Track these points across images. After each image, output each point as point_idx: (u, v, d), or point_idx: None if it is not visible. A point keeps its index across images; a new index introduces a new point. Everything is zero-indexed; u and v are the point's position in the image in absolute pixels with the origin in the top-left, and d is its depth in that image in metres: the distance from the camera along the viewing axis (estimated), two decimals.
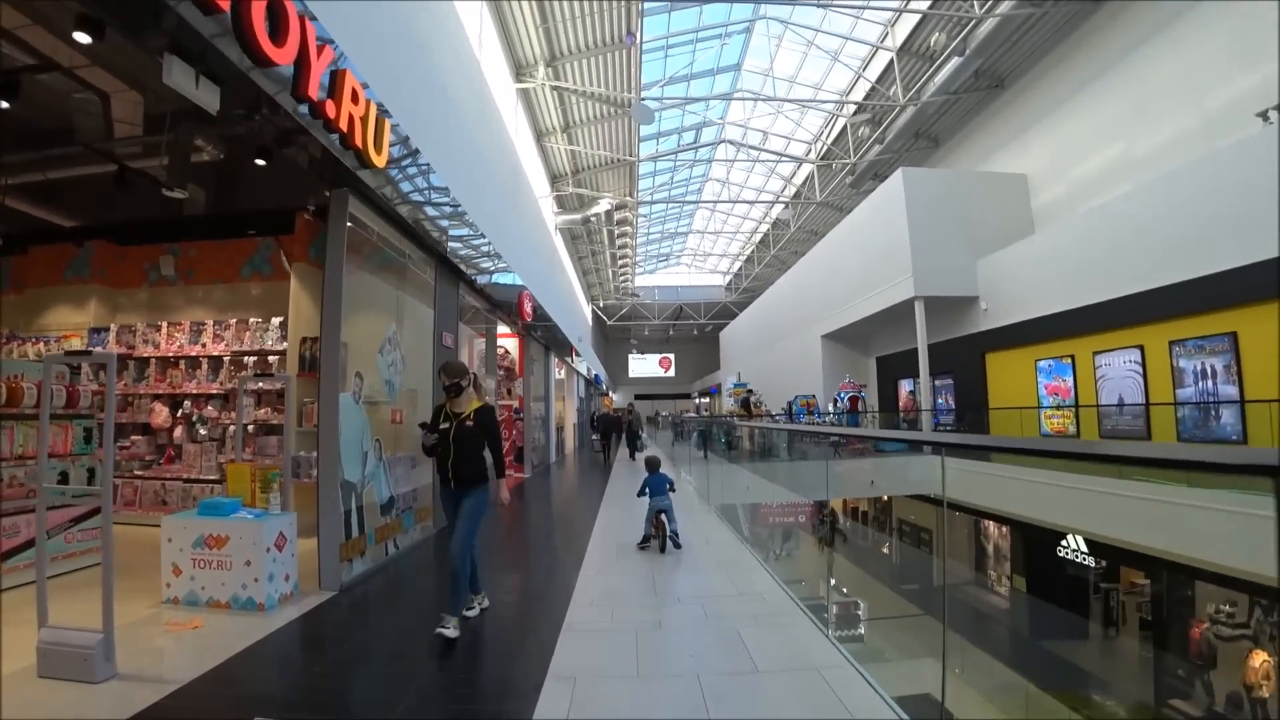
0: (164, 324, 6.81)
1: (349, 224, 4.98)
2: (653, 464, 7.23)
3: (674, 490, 6.83)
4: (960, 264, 14.49)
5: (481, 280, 8.54)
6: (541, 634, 4.06)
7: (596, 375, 30.95)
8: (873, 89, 17.63)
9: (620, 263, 30.53)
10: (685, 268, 44.20)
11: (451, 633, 3.80)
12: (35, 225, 6.74)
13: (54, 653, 3.07)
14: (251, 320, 6.42)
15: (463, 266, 7.51)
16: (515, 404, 12.78)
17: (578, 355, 21.42)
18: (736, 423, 13.71)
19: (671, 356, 52.91)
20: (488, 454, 4.34)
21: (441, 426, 4.23)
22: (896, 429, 17.64)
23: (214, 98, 3.25)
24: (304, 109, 3.67)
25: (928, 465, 13.46)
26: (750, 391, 19.63)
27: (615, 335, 50.06)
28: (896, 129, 18.29)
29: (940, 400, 16.16)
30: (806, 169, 23.44)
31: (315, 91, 3.56)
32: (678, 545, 6.42)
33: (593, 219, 22.01)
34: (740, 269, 39.08)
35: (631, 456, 17.73)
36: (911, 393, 13.96)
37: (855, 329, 18.80)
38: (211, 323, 6.73)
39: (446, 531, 4.33)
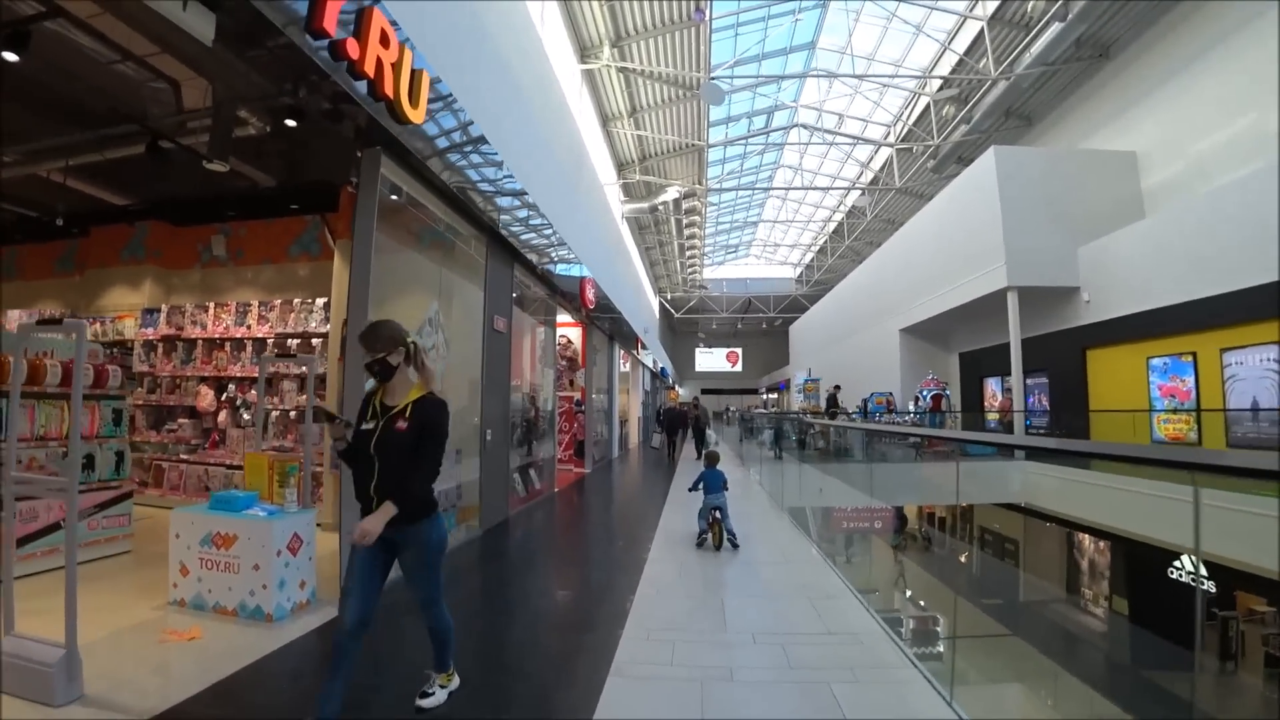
0: (211, 305, 6.66)
1: (383, 188, 4.56)
2: (711, 458, 6.89)
3: (727, 488, 6.56)
4: (1059, 251, 13.21)
5: (541, 264, 8.14)
6: (581, 679, 3.35)
7: (663, 368, 30.43)
8: (960, 62, 16.37)
9: (688, 253, 29.86)
10: (754, 259, 43.11)
11: (434, 701, 2.95)
12: (93, 205, 6.70)
13: (15, 667, 2.67)
14: (296, 301, 6.17)
15: (518, 246, 7.09)
16: (577, 395, 12.40)
17: (643, 347, 20.94)
18: (813, 421, 12.88)
19: (739, 351, 51.91)
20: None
21: (364, 427, 2.84)
22: (983, 431, 16.40)
23: (208, 25, 2.85)
24: (323, 48, 3.23)
25: (1020, 472, 12.40)
26: (838, 388, 18.47)
27: (682, 328, 49.41)
28: (985, 106, 16.89)
29: (1031, 400, 14.86)
30: (885, 153, 22.17)
31: (333, 26, 3.12)
32: (735, 544, 6.19)
33: (660, 208, 21.43)
34: (812, 260, 37.76)
35: (699, 456, 16.34)
36: (1008, 391, 12.80)
37: (936, 323, 17.60)
38: (257, 304, 6.54)
39: (344, 599, 2.77)
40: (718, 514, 6.26)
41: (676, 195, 21.04)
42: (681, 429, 19.63)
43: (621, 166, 20.94)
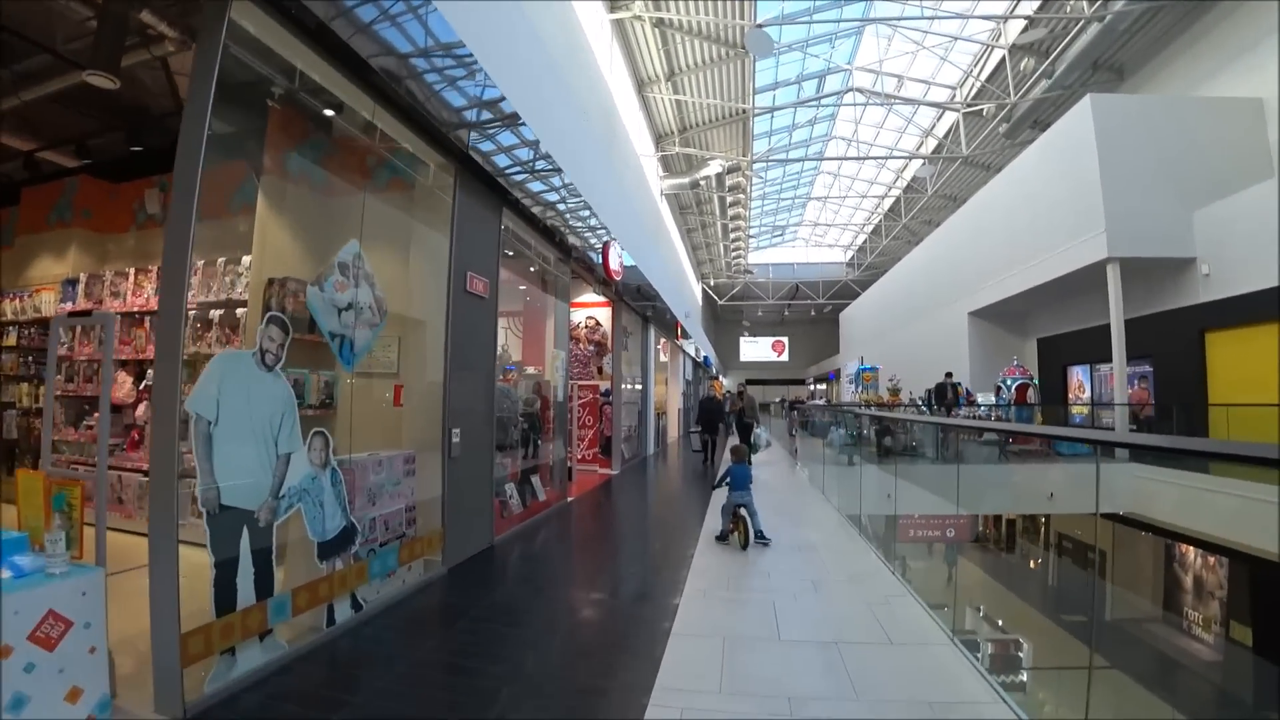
0: (131, 271, 5.39)
1: (235, 47, 2.97)
2: (739, 453, 6.54)
3: (752, 483, 6.22)
4: (1170, 217, 11.25)
5: (547, 219, 6.65)
6: None
7: (706, 357, 28.85)
8: (1043, 3, 14.31)
9: (732, 236, 28.14)
10: (803, 243, 40.98)
11: None
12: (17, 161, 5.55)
13: None
14: (221, 261, 4.77)
15: (507, 186, 5.48)
16: (604, 384, 10.98)
17: (684, 335, 19.41)
18: (911, 417, 11.04)
19: (785, 340, 49.94)
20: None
21: None
22: (1066, 425, 14.44)
23: None
24: None
25: (1125, 477, 10.53)
26: (949, 375, 16.25)
27: (726, 316, 47.66)
28: (1071, 57, 14.80)
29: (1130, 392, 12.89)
30: (950, 119, 20.08)
31: None
32: (765, 542, 5.88)
33: (702, 183, 19.84)
34: (864, 243, 35.55)
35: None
36: (1142, 380, 10.84)
37: (1011, 305, 15.68)
38: (154, 270, 5.27)
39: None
40: (743, 511, 5.95)
41: (719, 170, 19.44)
42: (722, 424, 16.26)
43: (660, 138, 19.40)
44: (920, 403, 15.57)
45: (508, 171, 5.29)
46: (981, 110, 18.00)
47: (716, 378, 40.07)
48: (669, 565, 5.13)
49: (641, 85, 16.45)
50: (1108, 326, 13.31)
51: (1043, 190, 13.29)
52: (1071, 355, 14.96)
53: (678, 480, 11.37)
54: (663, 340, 17.28)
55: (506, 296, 8.83)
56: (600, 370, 11.00)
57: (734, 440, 11.57)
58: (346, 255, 3.91)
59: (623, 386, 11.21)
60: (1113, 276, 11.20)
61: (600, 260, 7.94)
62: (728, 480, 6.15)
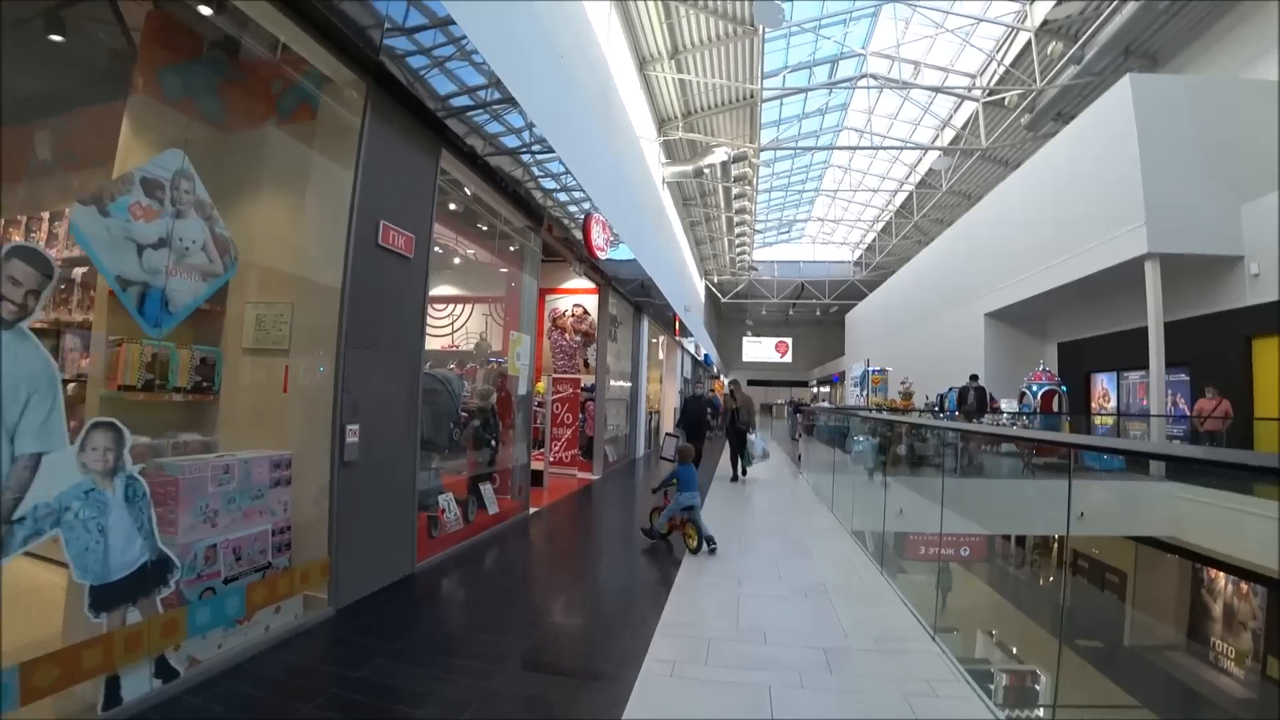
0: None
1: None
2: (686, 454, 6.14)
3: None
4: (1214, 210, 10.24)
5: (513, 174, 5.60)
6: None
7: (706, 355, 27.85)
8: None
9: (737, 230, 27.13)
10: (809, 241, 39.94)
11: None
12: None
13: None
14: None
15: (450, 122, 4.38)
16: (587, 379, 9.93)
17: (684, 333, 18.40)
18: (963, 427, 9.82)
19: (789, 340, 48.97)
20: None
21: None
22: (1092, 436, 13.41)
23: None
24: None
25: (1165, 497, 9.53)
26: (974, 377, 14.79)
27: (729, 315, 46.68)
28: (1102, 40, 13.80)
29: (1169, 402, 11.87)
30: (968, 109, 19.05)
31: None
32: (713, 549, 5.43)
33: (706, 171, 18.81)
34: (874, 241, 34.48)
35: (737, 474, 10.25)
36: (1210, 391, 9.72)
37: (1032, 306, 14.65)
38: (47, 217, 4.29)
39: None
40: (689, 515, 5.56)
41: (725, 158, 18.41)
42: (710, 428, 12.63)
43: (663, 122, 18.40)
44: (935, 408, 14.55)
45: (449, 101, 4.24)
46: (1004, 99, 16.97)
47: (718, 377, 39.08)
48: (632, 614, 4.00)
49: (643, 63, 15.46)
50: (1137, 331, 12.30)
51: (1074, 180, 12.25)
52: (1096, 362, 13.93)
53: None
54: (661, 336, 16.28)
55: (475, 276, 7.77)
56: (586, 363, 9.96)
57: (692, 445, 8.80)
58: (160, 170, 2.85)
59: (609, 381, 10.17)
60: (1152, 274, 10.18)
61: (582, 234, 6.86)
62: (672, 483, 5.75)
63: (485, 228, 6.22)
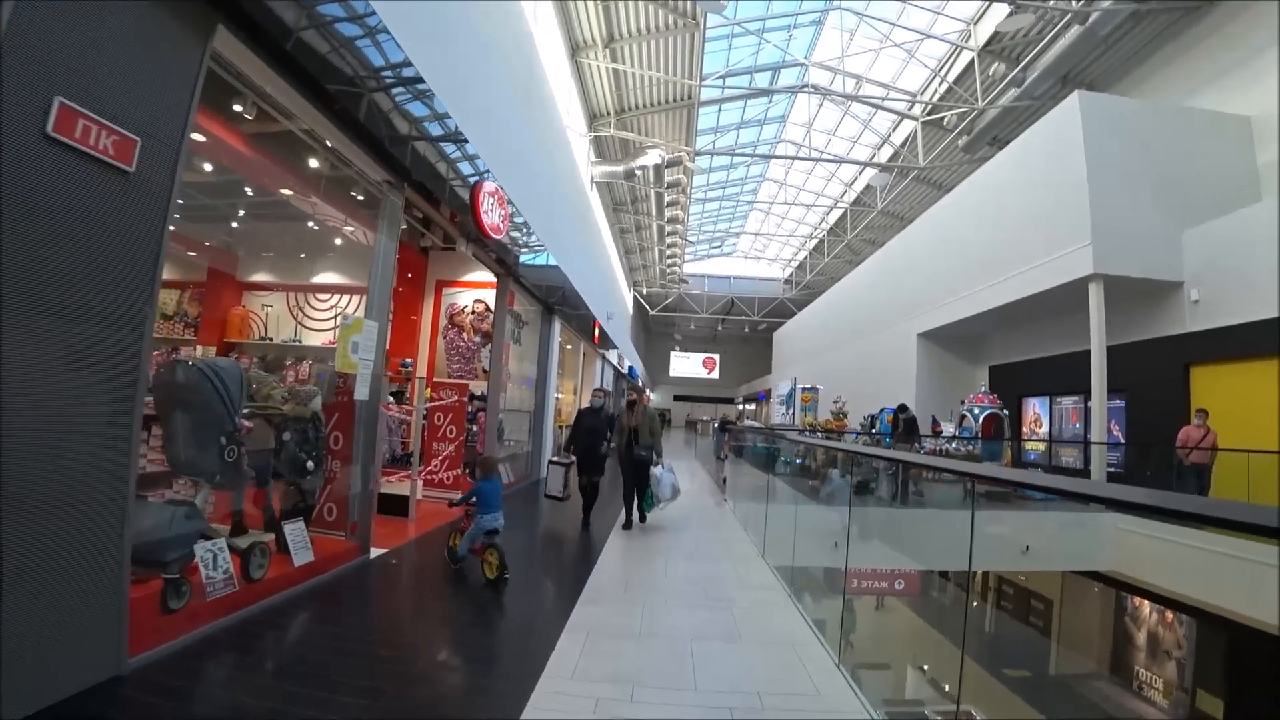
0: None
1: None
2: (488, 465, 5.14)
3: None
4: (1157, 235, 9.98)
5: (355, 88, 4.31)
6: None
7: (632, 368, 26.80)
8: (1017, 6, 13.03)
9: (668, 239, 26.29)
10: (741, 256, 39.65)
11: None
12: None
13: None
14: None
15: None
16: (479, 387, 8.56)
17: (606, 343, 17.25)
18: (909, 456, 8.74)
19: (716, 357, 48.67)
20: None
21: None
22: (1023, 464, 13.05)
23: None
24: None
25: (1107, 528, 9.03)
26: (904, 408, 13.78)
27: (658, 329, 45.98)
28: (1044, 64, 13.70)
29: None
30: (907, 128, 18.85)
31: None
32: (505, 577, 4.54)
33: (638, 173, 17.84)
34: (805, 260, 34.40)
35: (631, 519, 7.47)
36: (1200, 420, 9.12)
37: (965, 327, 14.31)
38: None
39: None
40: (488, 540, 4.66)
41: (659, 160, 17.46)
42: (606, 451, 8.15)
43: (594, 118, 17.35)
44: (869, 429, 13.92)
45: None
46: (943, 118, 16.76)
47: (644, 391, 38.15)
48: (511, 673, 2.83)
49: (576, 50, 14.38)
50: (1071, 355, 12.05)
51: (1016, 198, 11.89)
52: (1028, 386, 13.64)
53: (571, 517, 7.47)
54: (581, 343, 15.04)
55: (313, 242, 6.39)
56: (486, 370, 8.58)
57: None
58: None
59: (505, 388, 8.79)
60: (1095, 296, 9.77)
61: (469, 203, 5.52)
62: (472, 500, 4.82)
63: (314, 161, 4.78)
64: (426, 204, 5.41)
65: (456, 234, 5.95)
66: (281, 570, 3.93)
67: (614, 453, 7.62)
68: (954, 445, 9.62)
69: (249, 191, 6.27)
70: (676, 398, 48.35)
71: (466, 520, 4.82)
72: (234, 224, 9.28)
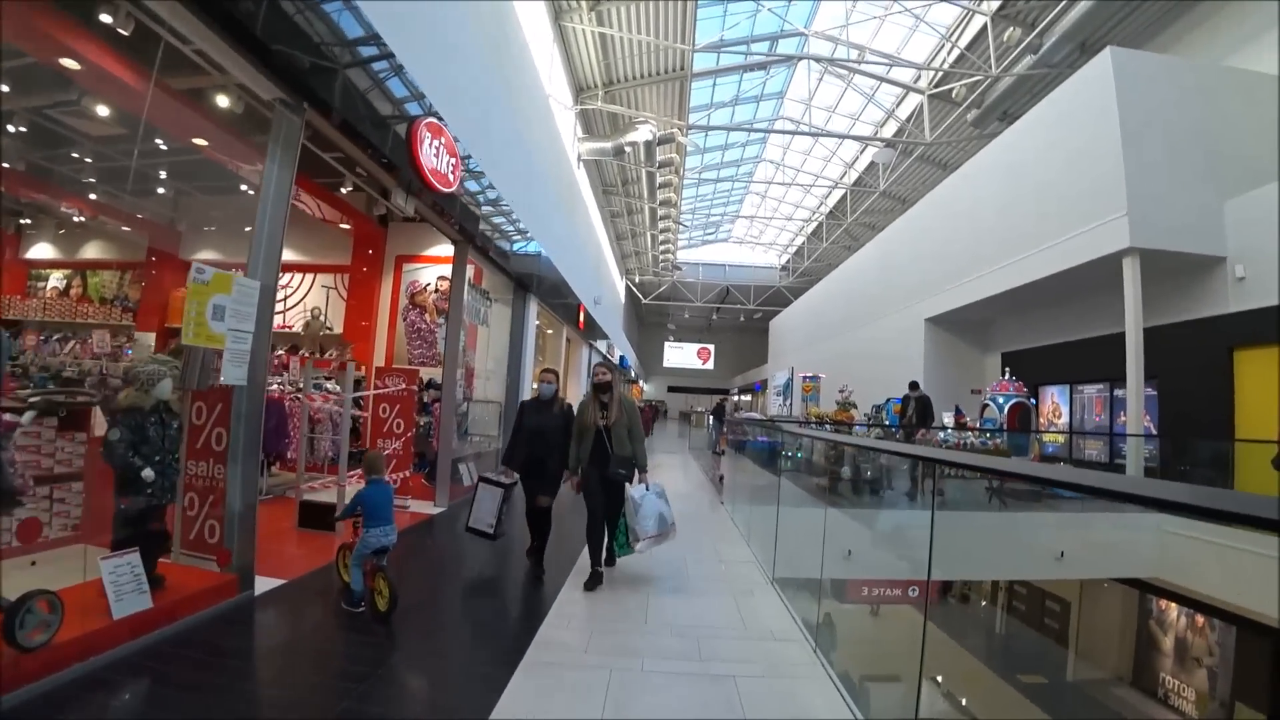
0: None
1: None
2: (373, 465, 3.95)
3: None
4: (1197, 205, 9.02)
5: None
6: None
7: (623, 358, 25.80)
8: None
9: (660, 223, 25.26)
10: (736, 243, 38.59)
11: None
12: None
13: None
14: None
15: None
16: (432, 374, 7.63)
17: (593, 330, 16.26)
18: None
19: (711, 348, 47.74)
20: None
21: None
22: (1044, 457, 12.14)
23: None
24: None
25: (1152, 531, 8.12)
26: (914, 385, 12.32)
27: (651, 319, 45.03)
28: (1063, 29, 12.79)
29: (1122, 420, 10.66)
30: (913, 102, 17.83)
31: None
32: (393, 605, 3.60)
33: (628, 150, 16.79)
34: (802, 246, 33.37)
35: (599, 565, 4.85)
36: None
37: (975, 312, 13.40)
38: None
39: None
40: (378, 560, 3.69)
41: (649, 136, 16.44)
42: (558, 454, 5.16)
43: (581, 91, 16.29)
44: (873, 421, 13.01)
45: None
46: (951, 91, 15.76)
47: (635, 382, 37.20)
48: None
49: (559, 13, 13.32)
50: (1095, 340, 11.17)
51: (1038, 170, 10.93)
52: (1045, 374, 12.70)
53: (517, 557, 5.41)
54: (565, 329, 13.95)
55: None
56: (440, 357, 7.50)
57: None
58: None
59: (467, 377, 7.68)
60: (1131, 272, 8.84)
61: (406, 145, 4.50)
62: (357, 513, 3.77)
63: (189, 74, 3.71)
64: (344, 137, 4.25)
65: (393, 183, 4.82)
66: (95, 627, 2.84)
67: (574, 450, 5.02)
68: (979, 439, 8.68)
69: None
70: (671, 389, 47.42)
71: (355, 532, 3.83)
72: (160, 190, 8.23)
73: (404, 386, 6.04)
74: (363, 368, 7.35)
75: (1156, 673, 9.46)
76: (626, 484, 4.87)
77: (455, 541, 5.69)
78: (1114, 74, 9.28)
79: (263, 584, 3.94)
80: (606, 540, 4.92)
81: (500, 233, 7.04)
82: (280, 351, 8.22)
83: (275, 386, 6.27)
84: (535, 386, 4.68)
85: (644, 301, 38.23)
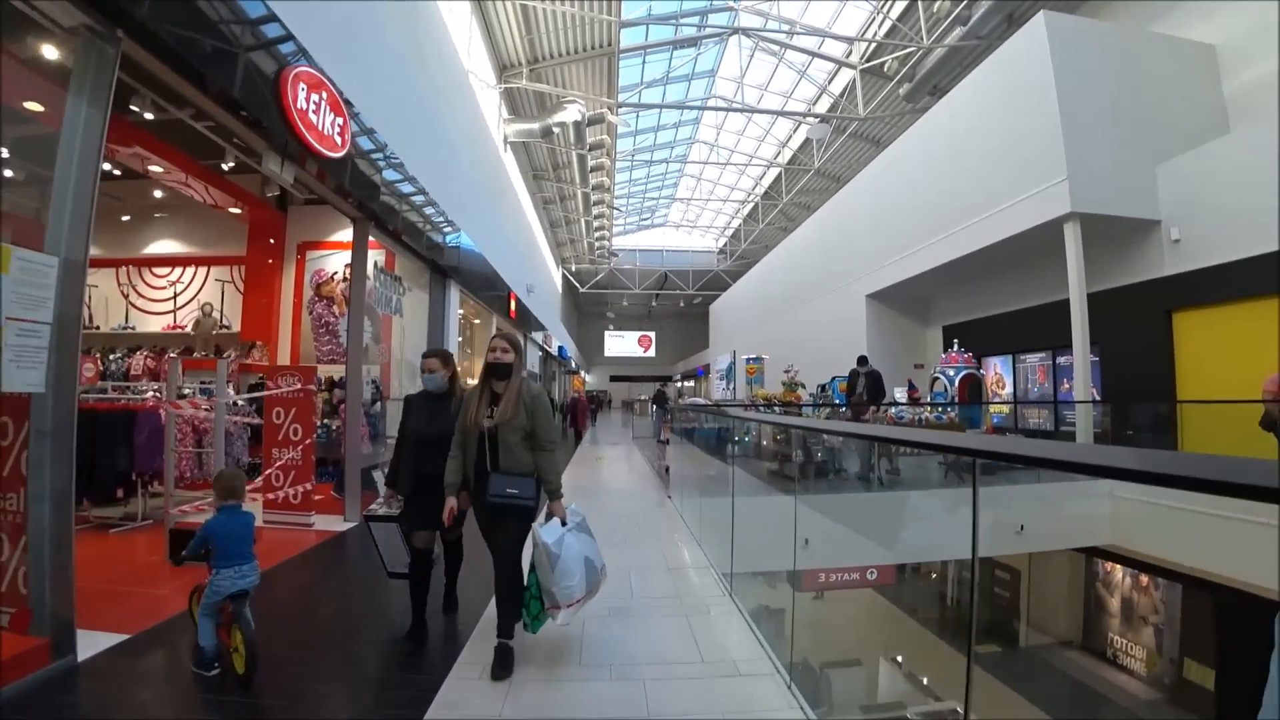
0: None
1: None
2: (227, 486, 3.07)
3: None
4: (1131, 169, 9.00)
5: None
6: None
7: (562, 348, 25.09)
8: None
9: (595, 209, 24.58)
10: (673, 228, 38.20)
11: None
12: None
13: None
14: None
15: None
16: (340, 371, 6.53)
17: (526, 320, 15.51)
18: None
19: (652, 335, 47.38)
20: None
21: None
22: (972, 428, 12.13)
23: None
24: None
25: (1103, 499, 8.04)
26: (863, 359, 11.85)
27: (589, 308, 44.33)
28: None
29: (1063, 389, 10.68)
30: (846, 77, 17.66)
31: None
32: (253, 666, 2.79)
33: (556, 131, 16.06)
34: (739, 228, 33.22)
35: (505, 643, 3.21)
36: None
37: (915, 286, 13.33)
38: None
39: None
40: (235, 607, 2.88)
41: (578, 117, 15.74)
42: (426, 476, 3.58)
43: (505, 69, 15.45)
44: (818, 400, 12.78)
45: None
46: (883, 65, 15.61)
47: (577, 372, 36.50)
48: None
49: None
50: (1034, 309, 11.19)
51: (974, 139, 10.80)
52: (987, 345, 12.69)
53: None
54: (494, 318, 13.13)
55: None
56: (366, 349, 6.66)
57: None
58: None
59: (374, 374, 6.91)
60: (1073, 237, 8.75)
61: (276, 99, 3.75)
62: (205, 551, 2.92)
63: None
64: (183, 80, 3.43)
65: (265, 146, 3.98)
66: None
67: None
68: (934, 414, 8.43)
69: None
70: (613, 378, 46.91)
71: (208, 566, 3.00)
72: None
73: (299, 387, 5.24)
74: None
75: (1105, 634, 9.51)
76: (530, 517, 3.26)
77: (357, 567, 4.68)
78: (1048, 38, 9.14)
79: (94, 643, 3.13)
80: (511, 604, 3.26)
81: (413, 208, 6.25)
82: (173, 354, 7.28)
83: (151, 394, 5.42)
84: (422, 375, 3.59)
85: (581, 290, 37.51)
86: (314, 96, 3.85)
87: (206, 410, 5.15)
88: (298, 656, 3.30)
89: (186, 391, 5.68)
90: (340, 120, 4.11)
